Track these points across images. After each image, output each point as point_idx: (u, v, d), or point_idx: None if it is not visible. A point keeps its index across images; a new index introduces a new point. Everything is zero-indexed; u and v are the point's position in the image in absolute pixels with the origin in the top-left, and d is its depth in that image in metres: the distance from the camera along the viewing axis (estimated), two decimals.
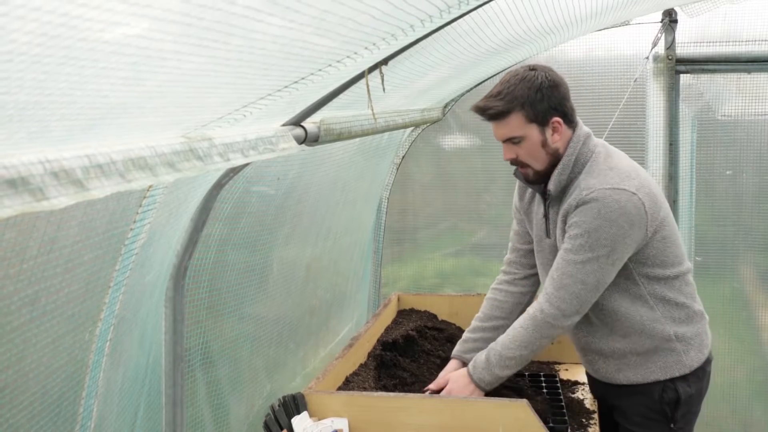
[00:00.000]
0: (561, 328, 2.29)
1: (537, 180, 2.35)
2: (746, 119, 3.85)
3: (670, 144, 3.82)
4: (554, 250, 2.38)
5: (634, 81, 3.77)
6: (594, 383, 2.58)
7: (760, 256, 3.90)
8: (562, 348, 2.89)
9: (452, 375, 2.42)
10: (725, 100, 3.86)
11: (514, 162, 2.34)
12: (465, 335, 2.60)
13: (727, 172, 3.88)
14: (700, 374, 2.42)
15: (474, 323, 2.61)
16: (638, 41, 3.84)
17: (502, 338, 2.34)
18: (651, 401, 2.39)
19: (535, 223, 2.46)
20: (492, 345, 2.36)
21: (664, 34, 3.77)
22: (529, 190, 2.48)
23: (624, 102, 3.72)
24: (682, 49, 3.78)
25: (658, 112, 3.83)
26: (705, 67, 3.80)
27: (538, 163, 2.31)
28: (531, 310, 2.32)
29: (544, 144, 2.28)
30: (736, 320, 3.86)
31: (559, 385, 2.65)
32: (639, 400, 2.41)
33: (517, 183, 2.53)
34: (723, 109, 3.87)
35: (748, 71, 3.78)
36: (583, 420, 2.45)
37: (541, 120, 2.25)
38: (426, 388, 2.44)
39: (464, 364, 2.48)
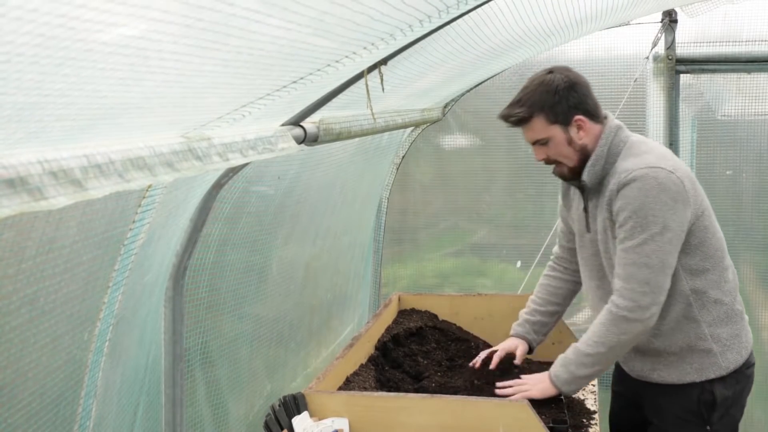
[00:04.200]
0: (640, 322, 2.23)
1: (572, 176, 2.41)
2: (746, 119, 3.85)
3: (670, 144, 3.82)
4: (594, 245, 2.41)
5: (634, 81, 3.77)
6: (624, 380, 2.57)
7: (760, 256, 3.90)
8: (563, 348, 2.88)
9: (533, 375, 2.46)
10: (725, 100, 3.86)
11: (547, 161, 2.40)
12: (523, 316, 2.69)
13: (727, 172, 3.88)
14: (739, 377, 2.38)
15: (531, 305, 2.69)
16: (638, 41, 3.84)
17: (584, 335, 2.35)
18: (688, 402, 2.37)
19: (576, 219, 2.49)
20: (574, 343, 2.38)
21: (664, 34, 3.77)
22: (572, 188, 2.53)
23: (624, 102, 3.72)
24: (682, 49, 3.79)
25: (658, 112, 3.83)
26: (705, 67, 3.81)
27: (569, 159, 2.37)
28: (607, 305, 2.29)
29: (570, 142, 2.34)
30: None
31: None
32: (675, 400, 2.39)
33: (561, 182, 2.58)
34: (723, 109, 3.87)
35: (748, 71, 3.78)
36: (584, 420, 2.44)
37: (562, 120, 2.32)
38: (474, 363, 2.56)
39: (526, 341, 2.63)
